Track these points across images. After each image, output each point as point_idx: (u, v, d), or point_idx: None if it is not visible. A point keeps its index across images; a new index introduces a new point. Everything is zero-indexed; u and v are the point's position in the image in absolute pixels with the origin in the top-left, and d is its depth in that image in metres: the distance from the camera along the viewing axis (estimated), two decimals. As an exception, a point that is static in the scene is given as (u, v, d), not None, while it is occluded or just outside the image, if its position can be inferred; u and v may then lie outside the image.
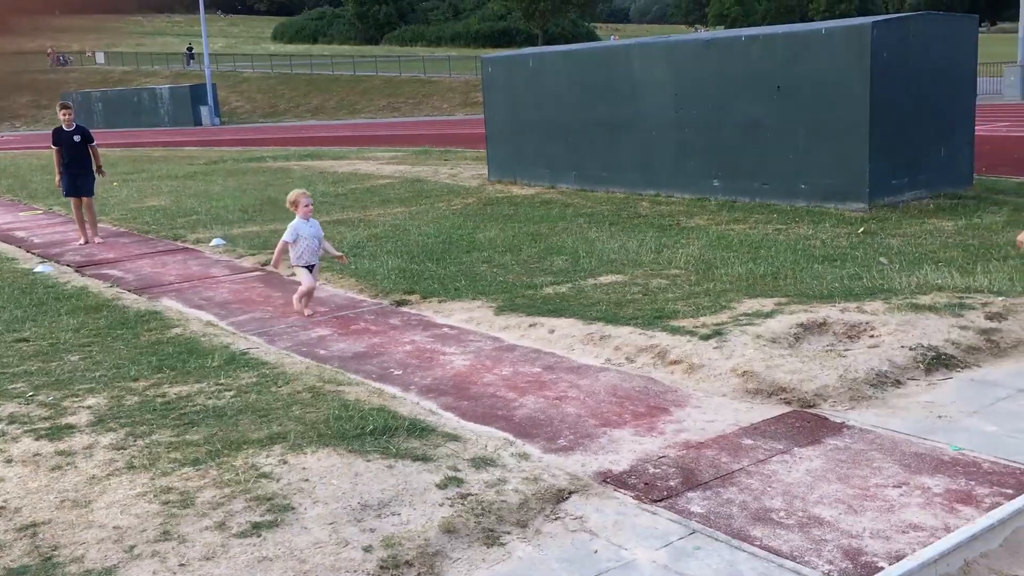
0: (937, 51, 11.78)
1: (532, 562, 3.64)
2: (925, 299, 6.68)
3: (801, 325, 6.28)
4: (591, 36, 74.96)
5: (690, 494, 4.14)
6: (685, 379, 5.70)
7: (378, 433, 4.67)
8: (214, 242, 11.51)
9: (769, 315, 6.51)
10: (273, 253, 8.03)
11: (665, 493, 4.15)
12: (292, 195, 7.69)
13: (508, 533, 3.84)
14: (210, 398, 5.42)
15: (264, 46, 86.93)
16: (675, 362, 5.90)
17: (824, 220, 10.85)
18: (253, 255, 10.58)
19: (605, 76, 14.12)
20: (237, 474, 4.24)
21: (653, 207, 12.65)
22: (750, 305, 6.89)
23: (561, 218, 12.04)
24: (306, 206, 7.55)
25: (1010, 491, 3.98)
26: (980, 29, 13.60)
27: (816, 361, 5.62)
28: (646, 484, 4.26)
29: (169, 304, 8.40)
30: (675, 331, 6.33)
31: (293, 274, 8.27)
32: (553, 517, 3.98)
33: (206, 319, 7.75)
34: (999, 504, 3.84)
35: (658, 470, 4.41)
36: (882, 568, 3.38)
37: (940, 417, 4.90)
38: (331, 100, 60.13)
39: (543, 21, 71.68)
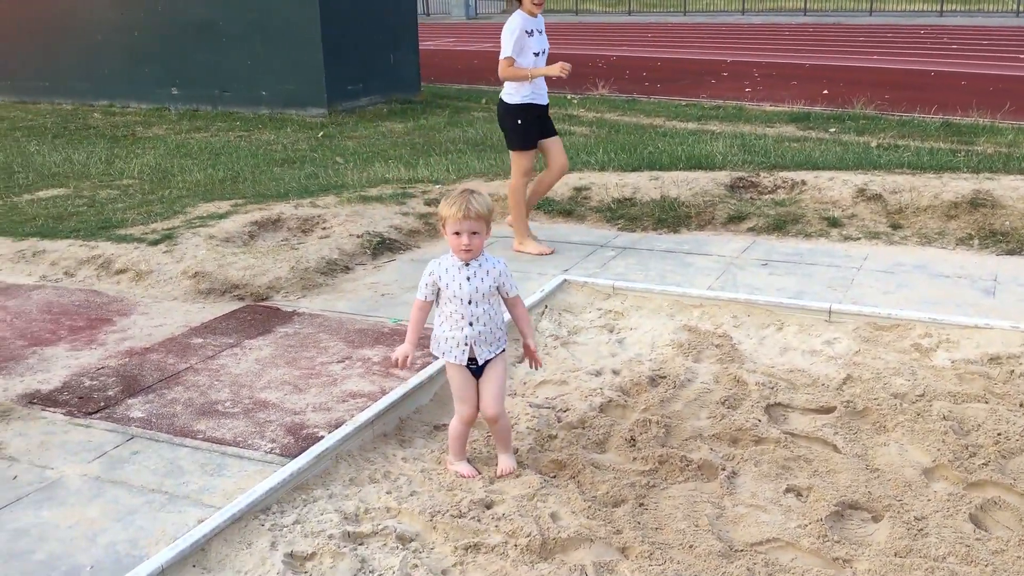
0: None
1: (-67, 504, 3.13)
2: (374, 191, 7.00)
3: (255, 223, 6.21)
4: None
5: (131, 400, 3.87)
6: (132, 287, 5.33)
7: None
8: None
9: (224, 216, 6.34)
10: None
11: (102, 404, 3.83)
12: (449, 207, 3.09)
13: (-98, 478, 3.25)
14: None
15: None
16: (121, 271, 5.48)
17: (286, 126, 10.87)
18: None
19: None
20: None
21: (106, 118, 11.63)
22: (206, 209, 6.65)
23: (-7, 132, 10.55)
24: (456, 232, 3.08)
25: (439, 351, 4.33)
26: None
27: (269, 256, 5.59)
28: (80, 399, 3.89)
29: None
30: (122, 240, 5.88)
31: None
32: (-36, 451, 3.46)
33: None
34: (428, 364, 4.16)
35: (95, 382, 4.05)
36: (322, 437, 3.47)
37: (383, 295, 5.18)
38: None
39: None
